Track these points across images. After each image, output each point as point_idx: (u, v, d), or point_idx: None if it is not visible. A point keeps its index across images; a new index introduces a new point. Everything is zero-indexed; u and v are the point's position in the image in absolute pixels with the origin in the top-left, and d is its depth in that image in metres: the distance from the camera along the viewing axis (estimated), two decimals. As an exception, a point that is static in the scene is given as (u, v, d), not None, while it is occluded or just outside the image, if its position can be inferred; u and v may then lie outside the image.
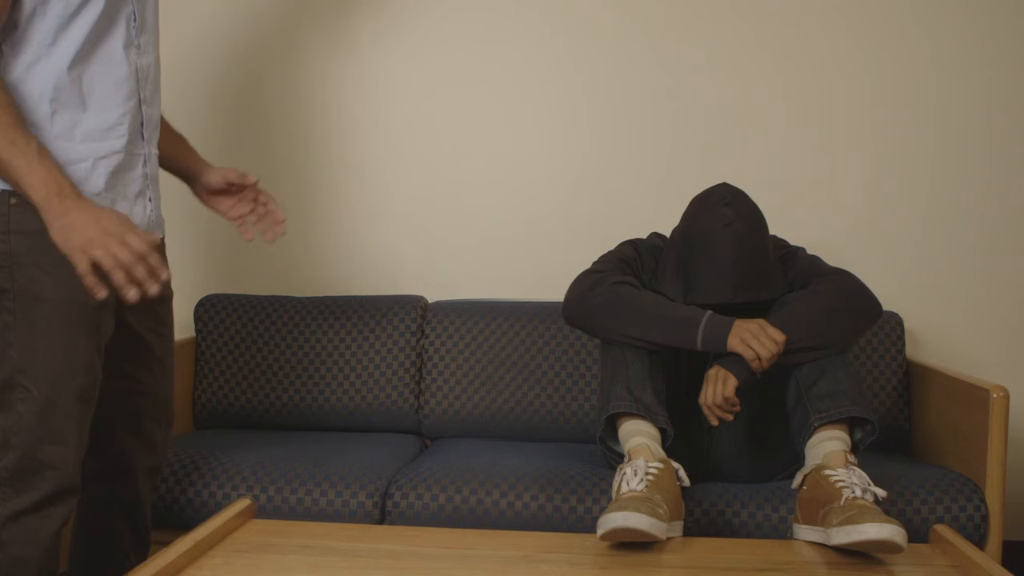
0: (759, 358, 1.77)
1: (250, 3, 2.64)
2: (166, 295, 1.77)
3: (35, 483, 1.50)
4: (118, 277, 1.40)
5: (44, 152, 1.43)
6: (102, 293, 1.42)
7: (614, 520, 1.54)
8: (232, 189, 1.85)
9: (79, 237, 1.40)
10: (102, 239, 1.40)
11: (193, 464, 2.03)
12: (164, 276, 1.42)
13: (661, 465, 1.70)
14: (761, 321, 1.80)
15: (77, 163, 1.51)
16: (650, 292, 1.91)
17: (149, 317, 1.71)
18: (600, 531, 1.57)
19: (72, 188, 1.43)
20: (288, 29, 2.64)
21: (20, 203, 1.47)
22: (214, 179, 1.84)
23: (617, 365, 1.85)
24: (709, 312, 1.84)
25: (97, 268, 1.42)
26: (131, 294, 1.40)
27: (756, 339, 1.77)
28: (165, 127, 1.83)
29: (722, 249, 1.86)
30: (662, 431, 1.80)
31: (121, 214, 1.45)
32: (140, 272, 1.41)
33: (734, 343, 1.79)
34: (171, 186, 2.63)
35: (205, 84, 2.63)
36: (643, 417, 1.79)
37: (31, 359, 1.49)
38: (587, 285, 1.92)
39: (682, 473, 1.75)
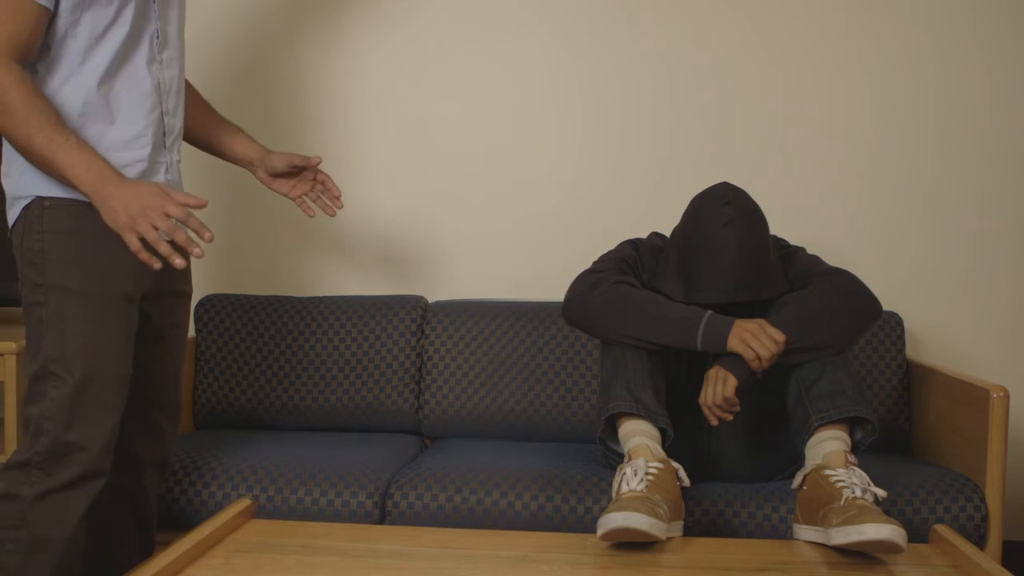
0: (759, 358, 1.77)
1: (246, 5, 2.64)
2: (186, 291, 1.84)
3: (65, 464, 1.56)
4: (163, 249, 1.49)
5: (83, 144, 1.52)
6: (156, 264, 1.50)
7: (614, 520, 1.54)
8: (294, 171, 1.99)
9: (123, 216, 1.49)
10: (144, 214, 1.48)
11: (193, 464, 2.03)
12: (207, 236, 1.49)
13: (661, 465, 1.70)
14: (761, 321, 1.80)
15: None
16: (650, 292, 1.91)
17: (168, 310, 1.78)
18: (600, 531, 1.57)
19: (112, 172, 1.52)
20: (285, 29, 2.64)
21: (53, 205, 1.57)
22: (279, 163, 1.96)
23: (617, 365, 1.85)
24: (709, 312, 1.84)
25: (146, 242, 1.50)
26: (177, 261, 1.49)
27: (756, 339, 1.77)
28: (223, 122, 1.97)
29: (723, 248, 1.86)
30: (662, 431, 1.80)
31: (160, 184, 1.53)
32: (182, 238, 1.50)
33: (734, 343, 1.79)
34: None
35: (204, 84, 2.62)
36: (643, 417, 1.79)
37: (62, 348, 1.56)
38: (587, 285, 1.92)
39: (682, 473, 1.75)
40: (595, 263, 2.01)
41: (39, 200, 1.58)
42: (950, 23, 2.53)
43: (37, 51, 1.55)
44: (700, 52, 2.57)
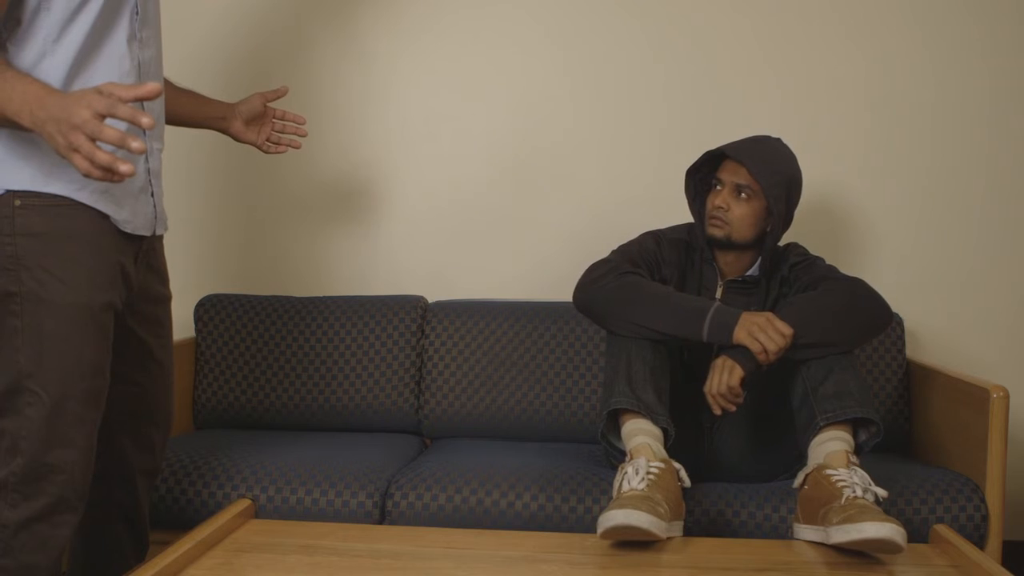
0: (766, 351, 1.77)
1: (258, 4, 2.64)
2: (165, 296, 1.77)
3: (43, 488, 1.49)
4: (101, 158, 1.29)
5: (19, 76, 1.37)
6: (115, 178, 1.31)
7: (615, 518, 1.54)
8: (266, 111, 2.01)
9: (60, 138, 1.30)
10: (75, 128, 1.29)
11: (193, 464, 2.03)
12: (145, 122, 1.29)
13: (662, 465, 1.70)
14: (769, 314, 1.81)
15: None
16: (659, 283, 1.92)
17: (149, 320, 1.71)
18: (600, 529, 1.57)
19: (46, 93, 1.34)
20: (293, 29, 2.64)
21: (24, 205, 1.47)
22: (256, 103, 1.98)
23: (620, 363, 1.85)
24: (717, 303, 1.84)
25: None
26: (123, 168, 1.29)
27: (763, 332, 1.77)
28: (184, 90, 1.91)
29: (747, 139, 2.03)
30: (664, 431, 1.80)
31: (92, 90, 1.32)
32: (111, 135, 1.28)
33: (741, 335, 1.79)
34: (171, 188, 2.63)
35: (212, 85, 2.61)
36: (645, 416, 1.79)
37: (39, 363, 1.47)
38: (598, 273, 1.95)
39: (683, 474, 1.75)
40: (612, 252, 2.02)
41: (9, 196, 1.46)
42: (951, 23, 2.53)
43: (4, 24, 1.43)
44: (701, 55, 2.57)
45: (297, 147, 2.05)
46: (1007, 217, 2.53)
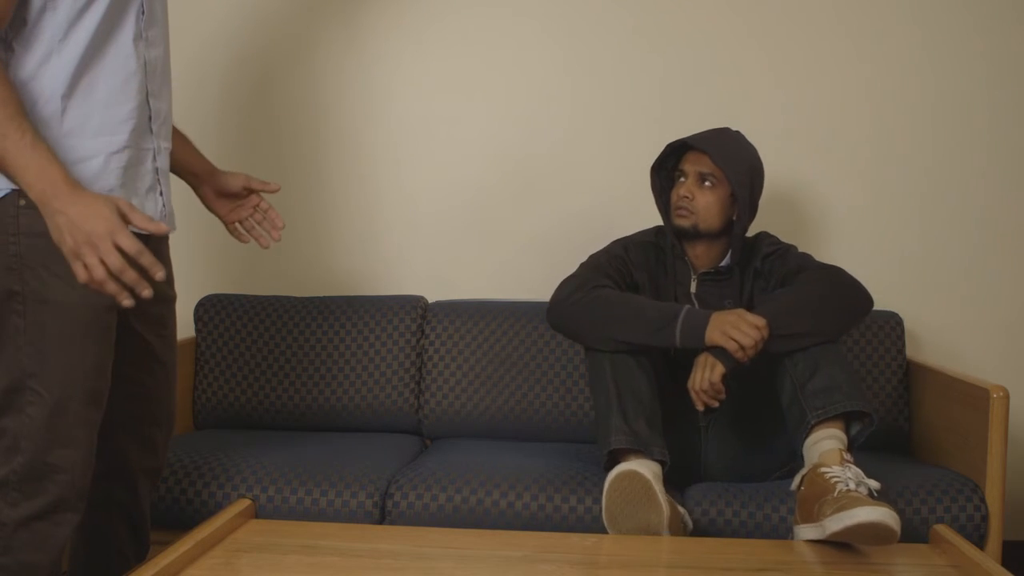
0: (742, 348, 1.77)
1: (261, 6, 2.64)
2: (169, 296, 1.77)
3: (44, 487, 1.49)
4: (110, 288, 1.37)
5: (38, 144, 1.38)
6: (121, 298, 1.40)
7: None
8: (242, 193, 1.90)
9: (69, 239, 1.36)
10: (90, 243, 1.36)
11: (193, 464, 2.03)
12: (158, 275, 1.37)
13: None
14: (740, 310, 1.81)
15: (89, 160, 1.49)
16: (629, 294, 1.93)
17: (152, 320, 1.70)
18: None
19: (65, 182, 1.38)
20: (296, 30, 2.64)
21: (29, 204, 1.45)
22: (234, 183, 1.88)
23: (609, 389, 1.84)
24: (687, 307, 1.84)
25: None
26: (125, 301, 1.38)
27: (736, 329, 1.77)
28: (173, 130, 1.85)
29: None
30: (660, 463, 1.80)
31: (118, 204, 1.39)
32: (130, 277, 1.37)
33: (714, 336, 1.79)
34: (172, 187, 2.63)
35: (216, 86, 2.63)
36: (643, 454, 1.78)
37: (41, 362, 1.48)
38: (568, 290, 1.95)
39: (687, 518, 1.78)
40: (580, 266, 2.03)
41: (14, 195, 1.44)
42: (951, 23, 2.52)
43: (10, 24, 1.43)
44: (697, 53, 2.57)
45: (264, 246, 1.91)
46: (1007, 217, 2.53)
